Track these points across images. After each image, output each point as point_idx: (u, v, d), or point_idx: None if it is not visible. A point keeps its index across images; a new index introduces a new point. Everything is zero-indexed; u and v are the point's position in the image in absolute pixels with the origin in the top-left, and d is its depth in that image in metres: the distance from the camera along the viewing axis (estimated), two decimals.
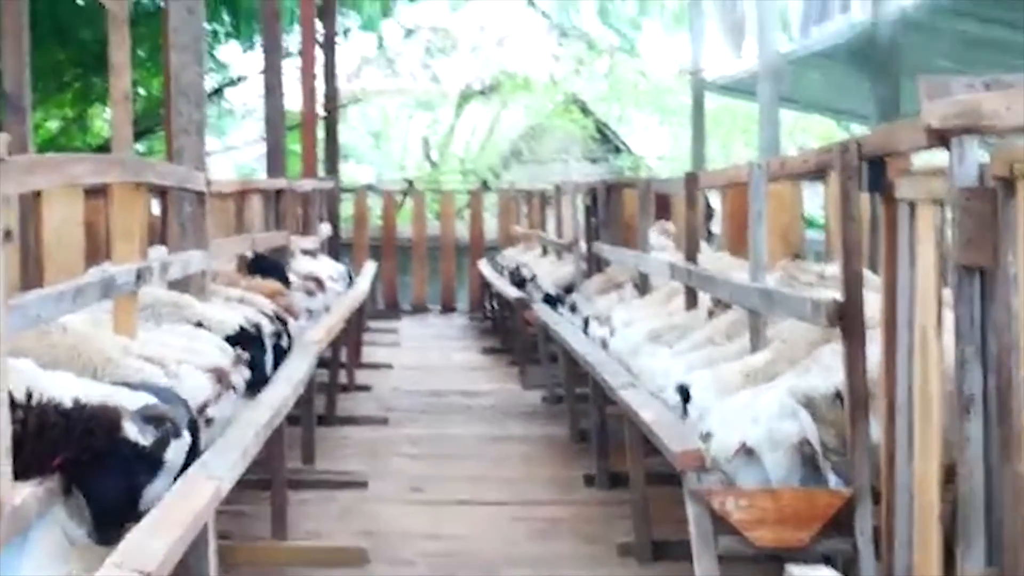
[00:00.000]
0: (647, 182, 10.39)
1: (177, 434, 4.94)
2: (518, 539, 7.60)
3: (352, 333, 13.24)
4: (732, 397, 5.85)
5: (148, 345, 6.55)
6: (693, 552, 5.37)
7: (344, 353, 12.50)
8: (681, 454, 5.49)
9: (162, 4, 14.22)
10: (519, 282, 14.26)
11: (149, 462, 4.73)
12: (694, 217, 8.70)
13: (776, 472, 5.31)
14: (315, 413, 9.69)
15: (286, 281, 10.24)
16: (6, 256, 7.86)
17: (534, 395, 12.47)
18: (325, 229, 16.24)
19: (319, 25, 18.85)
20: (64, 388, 4.89)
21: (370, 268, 16.70)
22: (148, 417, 4.89)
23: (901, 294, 4.85)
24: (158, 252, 8.99)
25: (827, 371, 5.73)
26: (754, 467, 5.36)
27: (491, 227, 22.19)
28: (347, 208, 21.29)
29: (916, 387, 4.70)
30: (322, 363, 10.62)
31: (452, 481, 9.03)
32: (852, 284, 5.31)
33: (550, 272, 13.65)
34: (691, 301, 8.30)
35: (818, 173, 6.22)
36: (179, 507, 4.36)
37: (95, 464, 4.58)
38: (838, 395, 5.46)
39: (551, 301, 12.07)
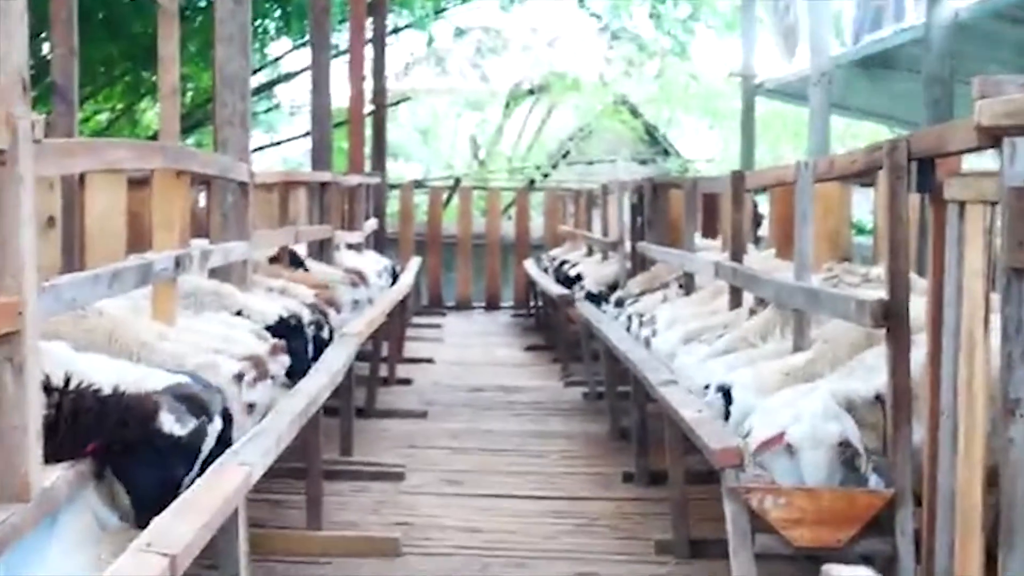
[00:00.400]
0: (693, 181, 10.31)
1: (211, 420, 4.92)
2: (555, 534, 7.54)
3: (395, 327, 13.21)
4: (772, 396, 5.80)
5: (185, 333, 6.55)
6: (730, 550, 5.30)
7: (386, 347, 12.48)
8: (720, 451, 5.42)
9: None
10: (563, 280, 14.21)
11: (185, 452, 4.70)
12: (740, 216, 8.61)
13: (815, 472, 5.24)
14: (354, 406, 9.65)
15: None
16: (48, 242, 7.91)
17: (575, 392, 12.42)
18: (371, 224, 16.23)
19: (369, 23, 18.87)
20: (101, 373, 4.87)
21: (415, 263, 16.68)
22: (184, 405, 4.86)
23: (948, 296, 4.76)
24: (200, 244, 8.98)
25: (870, 373, 5.66)
26: (788, 462, 5.30)
27: (537, 226, 22.17)
28: (393, 205, 21.29)
29: (961, 389, 4.61)
30: (363, 356, 10.62)
31: (490, 475, 8.98)
32: (898, 284, 5.23)
33: (595, 270, 13.60)
34: (735, 300, 8.23)
35: (866, 173, 6.12)
36: (208, 492, 4.31)
37: (132, 454, 4.55)
38: (878, 398, 5.39)
39: (595, 299, 12.03)
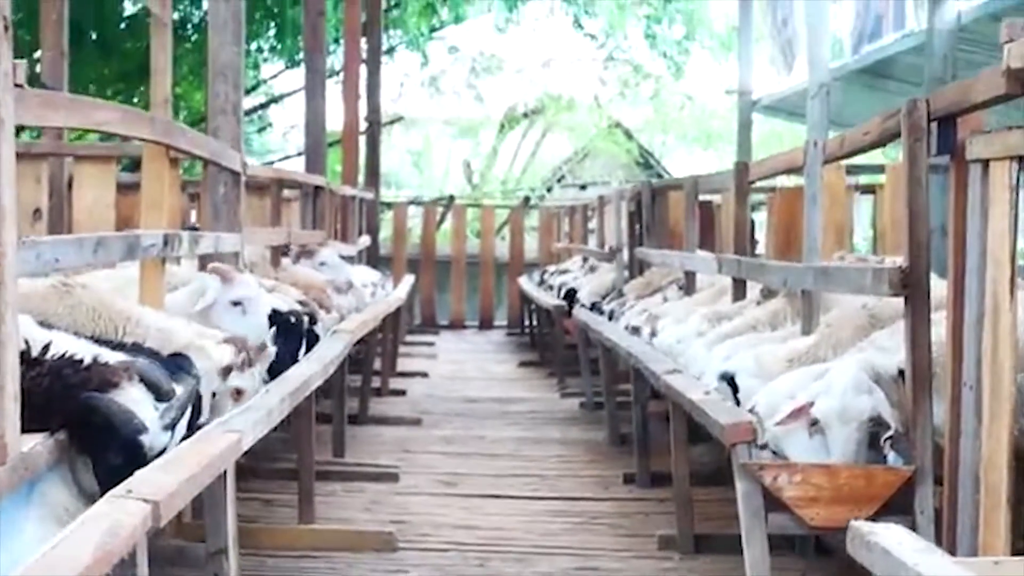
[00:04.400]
0: (694, 180, 10.08)
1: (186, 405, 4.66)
2: (555, 531, 7.31)
3: (387, 341, 13.01)
4: (778, 379, 5.59)
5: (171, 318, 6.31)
6: (742, 530, 5.06)
7: (379, 362, 12.28)
8: (731, 426, 5.19)
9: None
10: (558, 293, 14.00)
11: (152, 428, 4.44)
12: (743, 211, 8.41)
13: (844, 448, 4.99)
14: (347, 413, 9.44)
15: None
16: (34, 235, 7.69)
17: (572, 403, 12.19)
18: (364, 240, 16.01)
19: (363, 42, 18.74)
20: (63, 346, 4.62)
21: (408, 280, 16.49)
22: (150, 383, 4.61)
23: (971, 262, 4.54)
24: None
25: (883, 352, 5.44)
26: (807, 440, 5.06)
27: (531, 247, 21.99)
28: (386, 230, 21.16)
29: (985, 358, 4.39)
30: (355, 368, 10.42)
31: (486, 477, 8.75)
32: (917, 251, 5.00)
33: (590, 282, 13.38)
34: (739, 294, 8.00)
35: (879, 144, 5.88)
36: (195, 451, 4.08)
37: (95, 427, 4.30)
38: (901, 373, 5.15)
39: (591, 310, 11.80)
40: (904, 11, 14.49)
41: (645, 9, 26.30)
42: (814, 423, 5.02)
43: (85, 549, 2.89)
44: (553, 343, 14.43)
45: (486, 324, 20.79)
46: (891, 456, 5.04)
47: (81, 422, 4.25)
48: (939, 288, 5.06)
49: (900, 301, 5.08)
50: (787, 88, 18.19)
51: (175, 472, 3.72)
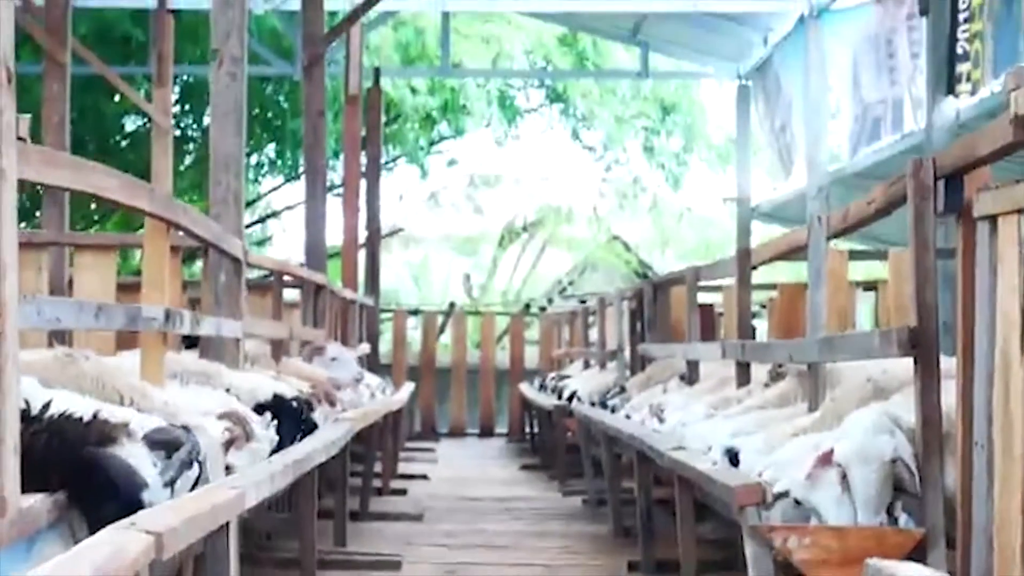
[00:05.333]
0: (695, 270, 10.09)
1: (188, 464, 4.60)
2: None
3: (388, 442, 12.94)
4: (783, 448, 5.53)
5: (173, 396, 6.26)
6: None
7: (379, 466, 12.23)
8: (740, 488, 5.12)
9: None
10: (559, 396, 13.92)
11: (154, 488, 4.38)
12: (746, 294, 8.39)
13: (865, 490, 4.91)
14: (348, 510, 9.37)
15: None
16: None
17: (574, 500, 12.08)
18: (364, 347, 15.96)
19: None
20: (67, 405, 4.58)
21: (409, 386, 16.43)
22: (156, 441, 4.56)
23: (980, 317, 4.50)
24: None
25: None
26: (838, 492, 4.99)
27: (532, 356, 21.92)
28: (386, 342, 21.17)
29: (996, 415, 4.34)
30: (356, 465, 10.34)
31: (490, 566, 8.62)
32: (925, 311, 4.98)
33: (590, 382, 13.33)
34: (743, 378, 7.96)
35: (885, 212, 5.86)
36: (197, 499, 4.02)
37: (94, 482, 4.24)
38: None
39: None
40: (902, 113, 14.57)
41: (644, 121, 26.49)
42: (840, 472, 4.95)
43: (83, 568, 2.82)
44: (554, 445, 14.33)
45: (487, 432, 20.67)
46: (903, 518, 4.98)
47: (80, 477, 4.20)
48: (945, 364, 5.02)
49: (906, 371, 5.05)
50: (786, 192, 18.30)
51: (178, 513, 3.66)
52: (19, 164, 4.03)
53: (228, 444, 5.67)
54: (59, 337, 8.61)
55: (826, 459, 4.99)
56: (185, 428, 5.26)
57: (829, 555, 4.84)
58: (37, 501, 4.02)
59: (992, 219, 4.43)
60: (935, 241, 5.03)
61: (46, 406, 4.40)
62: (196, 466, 4.75)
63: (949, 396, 4.89)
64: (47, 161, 4.50)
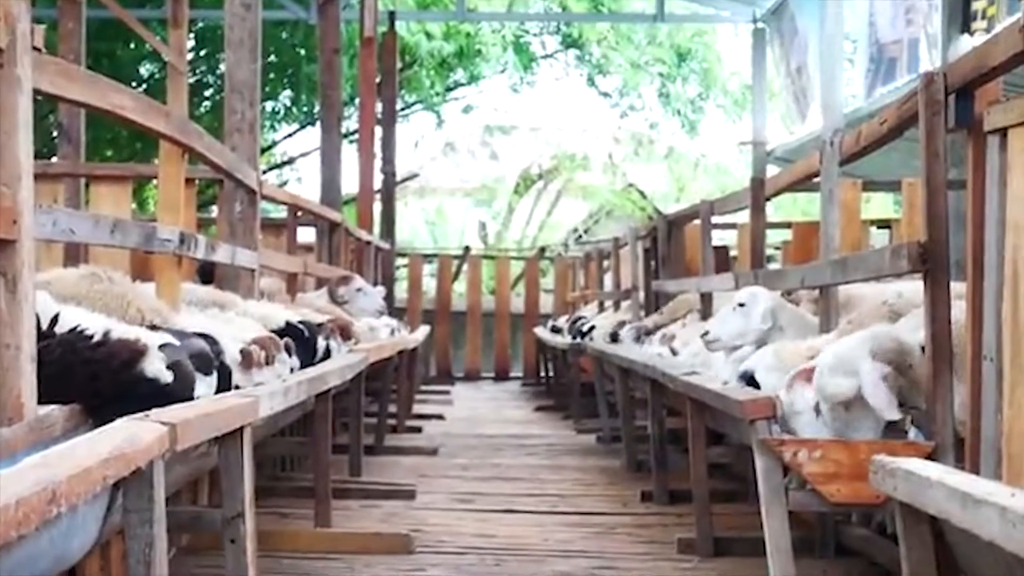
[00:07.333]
0: (710, 203, 10.09)
1: (206, 372, 4.64)
2: (572, 539, 7.22)
3: (403, 383, 12.99)
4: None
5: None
6: (762, 508, 5.01)
7: (394, 407, 12.29)
8: (749, 402, 5.14)
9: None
10: (574, 336, 13.95)
11: (171, 400, 4.42)
12: (759, 224, 8.40)
13: (832, 424, 4.96)
14: (363, 444, 9.43)
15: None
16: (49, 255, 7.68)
17: (588, 438, 12.13)
18: (379, 289, 15.94)
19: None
20: (85, 321, 4.61)
21: (424, 329, 16.47)
22: (175, 353, 4.59)
23: (989, 230, 4.51)
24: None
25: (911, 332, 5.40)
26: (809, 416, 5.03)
27: (547, 302, 21.94)
28: (400, 287, 21.17)
29: (1005, 327, 4.35)
30: (371, 402, 10.35)
31: (503, 495, 8.66)
32: (936, 225, 4.96)
33: (606, 321, 13.35)
34: None
35: (899, 131, 5.85)
36: (215, 401, 4.06)
37: (113, 399, 4.27)
38: (922, 349, 5.10)
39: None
40: (918, 53, 14.54)
41: (659, 68, 26.40)
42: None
43: (103, 446, 2.86)
44: (568, 385, 14.38)
45: (502, 375, 20.76)
46: (912, 432, 5.00)
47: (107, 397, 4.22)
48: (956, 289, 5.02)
49: (921, 295, 5.05)
50: (801, 135, 18.25)
51: (193, 409, 3.70)
52: (34, 74, 4.06)
53: (249, 365, 5.71)
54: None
55: (805, 374, 5.03)
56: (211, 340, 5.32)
57: (839, 469, 4.85)
58: (54, 409, 4.06)
59: (1003, 132, 4.43)
60: (947, 155, 5.03)
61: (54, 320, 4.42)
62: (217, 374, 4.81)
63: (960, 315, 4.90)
64: (62, 72, 4.50)
